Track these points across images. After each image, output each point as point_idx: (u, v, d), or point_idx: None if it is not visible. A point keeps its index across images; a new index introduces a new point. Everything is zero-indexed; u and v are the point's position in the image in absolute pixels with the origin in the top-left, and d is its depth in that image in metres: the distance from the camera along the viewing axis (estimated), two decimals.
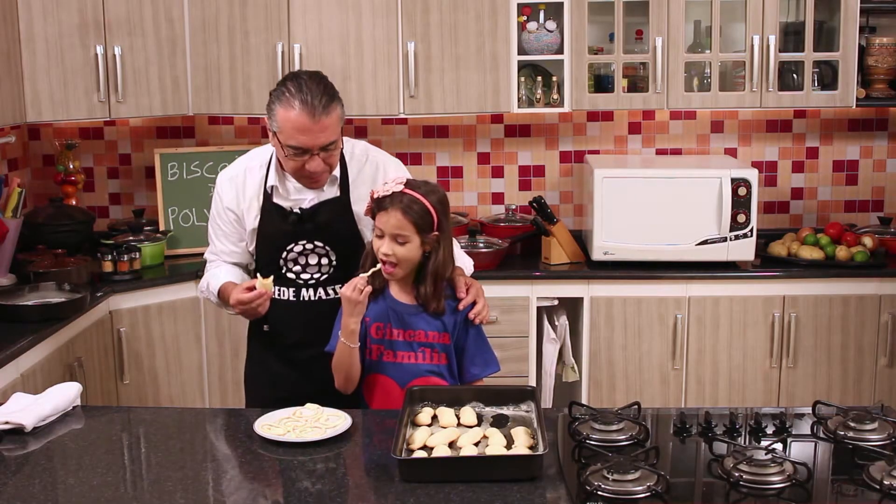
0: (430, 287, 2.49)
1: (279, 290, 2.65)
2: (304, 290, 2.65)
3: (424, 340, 2.52)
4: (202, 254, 2.88)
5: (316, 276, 2.64)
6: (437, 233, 2.47)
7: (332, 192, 2.62)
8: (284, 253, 2.63)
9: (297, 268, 2.64)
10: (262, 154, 2.69)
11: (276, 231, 2.63)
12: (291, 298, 2.65)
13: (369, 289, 2.42)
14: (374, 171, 2.67)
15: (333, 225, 2.63)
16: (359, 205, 2.62)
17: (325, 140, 2.47)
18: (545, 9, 4.01)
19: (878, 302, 3.85)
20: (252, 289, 2.52)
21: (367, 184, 2.64)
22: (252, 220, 2.65)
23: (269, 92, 2.55)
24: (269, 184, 2.62)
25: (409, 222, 2.41)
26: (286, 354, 2.71)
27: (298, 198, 2.62)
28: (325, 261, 2.64)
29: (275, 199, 2.62)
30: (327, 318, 2.58)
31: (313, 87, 2.46)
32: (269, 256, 2.66)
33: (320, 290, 2.66)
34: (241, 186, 2.66)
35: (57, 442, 2.24)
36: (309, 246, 2.62)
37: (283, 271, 2.64)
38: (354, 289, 2.40)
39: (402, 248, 2.43)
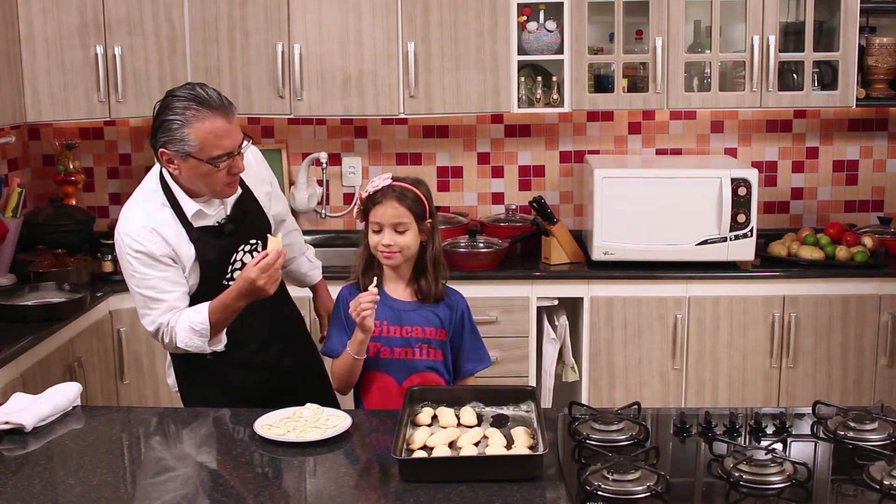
0: (431, 276, 2.56)
1: None
2: None
3: (421, 336, 2.56)
4: None
5: None
6: (430, 220, 2.54)
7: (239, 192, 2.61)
8: (230, 267, 2.59)
9: (238, 273, 2.58)
10: (150, 196, 2.55)
11: (217, 251, 2.56)
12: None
13: (370, 311, 2.41)
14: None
15: (255, 218, 2.66)
16: (256, 189, 2.67)
17: (241, 137, 2.47)
18: (545, 9, 4.01)
19: (878, 302, 3.85)
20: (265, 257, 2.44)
21: (250, 167, 2.64)
22: (188, 254, 2.52)
23: (158, 126, 2.43)
24: (190, 213, 2.51)
25: (406, 209, 2.48)
26: (236, 374, 2.65)
27: (215, 212, 2.57)
28: (255, 255, 2.63)
29: (196, 225, 2.54)
30: (278, 309, 2.64)
31: (209, 91, 2.44)
32: (214, 279, 2.57)
33: None
34: (160, 230, 2.50)
35: (57, 442, 2.24)
36: (246, 248, 2.63)
37: (227, 283, 2.58)
38: (357, 311, 2.39)
39: (402, 238, 2.49)
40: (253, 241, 2.64)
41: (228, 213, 2.59)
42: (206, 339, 2.52)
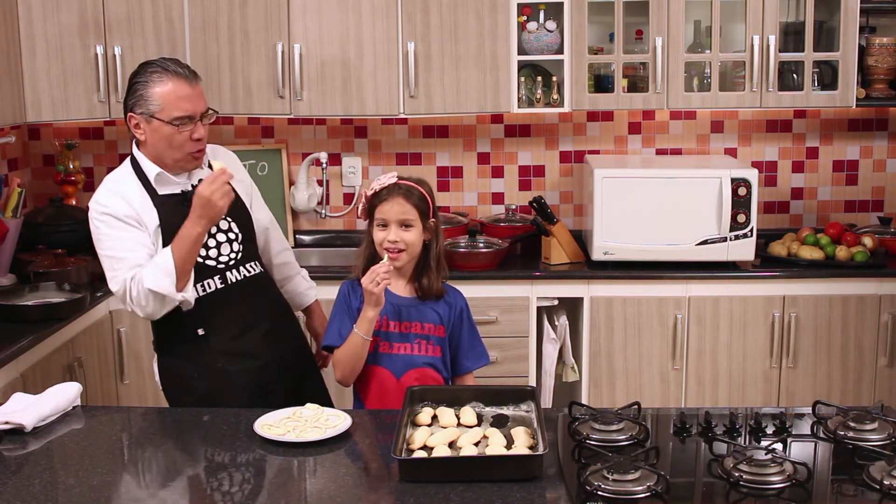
0: (434, 274, 2.59)
1: (205, 283, 2.62)
2: (228, 274, 2.65)
3: (421, 332, 2.58)
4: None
5: (232, 254, 2.66)
6: (433, 219, 2.58)
7: (206, 171, 2.67)
8: None
9: (213, 251, 2.63)
10: (120, 170, 2.67)
11: (180, 216, 2.57)
12: (220, 286, 2.64)
13: (389, 280, 2.46)
14: (214, 152, 2.78)
15: None
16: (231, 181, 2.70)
17: (204, 106, 2.60)
18: (545, 9, 4.01)
19: (878, 302, 3.85)
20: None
21: (229, 166, 2.69)
22: (152, 218, 2.58)
23: (127, 89, 2.59)
24: (152, 174, 2.60)
25: (412, 206, 2.53)
26: (216, 360, 2.66)
27: (178, 179, 2.64)
28: (231, 235, 2.67)
29: (161, 192, 2.60)
30: (258, 295, 2.65)
31: (177, 62, 2.61)
32: None
33: (241, 268, 2.69)
34: (125, 194, 2.59)
35: (57, 442, 2.24)
36: None
37: (203, 261, 2.61)
38: (373, 281, 2.44)
39: (408, 234, 2.53)
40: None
41: (194, 184, 2.63)
42: (172, 279, 2.49)
